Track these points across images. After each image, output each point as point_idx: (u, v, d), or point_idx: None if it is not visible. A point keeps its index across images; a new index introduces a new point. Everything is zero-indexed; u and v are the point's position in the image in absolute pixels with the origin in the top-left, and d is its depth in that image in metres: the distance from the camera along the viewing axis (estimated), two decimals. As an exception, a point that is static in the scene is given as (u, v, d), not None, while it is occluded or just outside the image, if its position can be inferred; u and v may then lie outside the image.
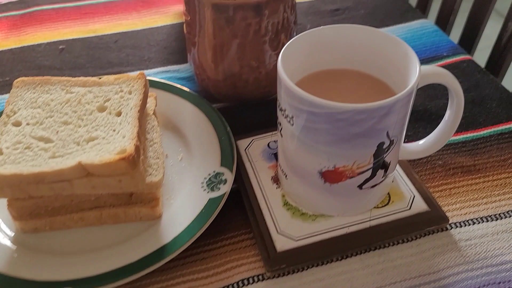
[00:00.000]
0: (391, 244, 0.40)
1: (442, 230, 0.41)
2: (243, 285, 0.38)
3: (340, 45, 0.40)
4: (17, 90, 0.43)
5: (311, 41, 0.40)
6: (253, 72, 0.49)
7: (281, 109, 0.37)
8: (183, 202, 0.42)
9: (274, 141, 0.47)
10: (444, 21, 0.73)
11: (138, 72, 0.59)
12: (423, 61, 0.59)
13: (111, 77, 0.45)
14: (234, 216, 0.43)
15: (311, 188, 0.39)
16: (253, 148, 0.47)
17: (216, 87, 0.52)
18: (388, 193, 0.42)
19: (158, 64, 0.62)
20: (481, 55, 0.72)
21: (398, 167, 0.44)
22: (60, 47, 0.65)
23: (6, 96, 0.57)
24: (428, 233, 0.41)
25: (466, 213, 0.42)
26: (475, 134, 0.50)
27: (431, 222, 0.40)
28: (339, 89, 0.41)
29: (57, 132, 0.40)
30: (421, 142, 0.42)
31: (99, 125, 0.40)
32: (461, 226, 0.41)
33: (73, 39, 0.67)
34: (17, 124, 0.40)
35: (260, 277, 0.38)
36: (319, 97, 0.33)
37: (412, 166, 0.46)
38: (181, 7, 0.73)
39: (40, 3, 0.75)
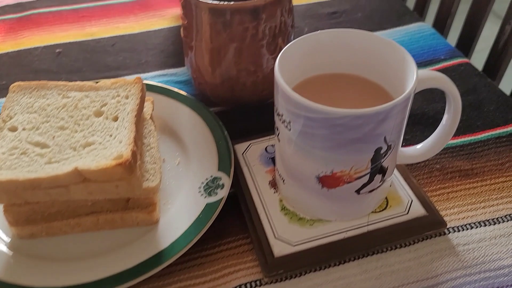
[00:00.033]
0: (389, 249, 0.40)
1: (440, 235, 0.41)
2: (241, 290, 0.38)
3: (337, 50, 0.40)
4: (13, 95, 0.43)
5: (308, 45, 0.40)
6: (251, 76, 0.49)
7: (278, 114, 0.37)
8: (181, 207, 0.42)
9: (272, 145, 0.47)
10: (442, 24, 0.73)
11: (135, 76, 0.60)
12: (420, 64, 0.59)
13: (108, 82, 0.45)
14: (232, 221, 0.43)
15: (308, 193, 0.39)
16: (251, 152, 0.47)
17: (213, 90, 0.52)
18: (386, 198, 0.42)
19: (155, 67, 0.62)
20: (479, 57, 0.72)
21: (395, 171, 0.44)
22: (57, 50, 0.65)
23: (3, 100, 0.57)
24: (426, 238, 0.41)
25: (464, 217, 0.42)
26: (472, 137, 0.49)
27: (429, 226, 0.40)
28: (337, 94, 0.41)
29: (54, 137, 0.39)
30: (418, 146, 0.42)
31: (95, 130, 0.40)
32: (459, 231, 0.41)
33: (70, 43, 0.67)
34: (13, 129, 0.40)
35: (258, 282, 0.38)
36: (316, 101, 0.33)
37: (409, 170, 0.46)
38: (178, 10, 0.72)
39: (37, 6, 0.74)
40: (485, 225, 0.41)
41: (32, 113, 0.42)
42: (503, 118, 0.52)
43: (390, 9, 0.71)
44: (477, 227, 0.41)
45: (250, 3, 0.44)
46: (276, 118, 0.38)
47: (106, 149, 0.38)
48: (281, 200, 0.42)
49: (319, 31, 0.40)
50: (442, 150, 0.42)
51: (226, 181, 0.43)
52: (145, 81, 0.52)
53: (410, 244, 0.40)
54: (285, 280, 0.38)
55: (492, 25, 0.74)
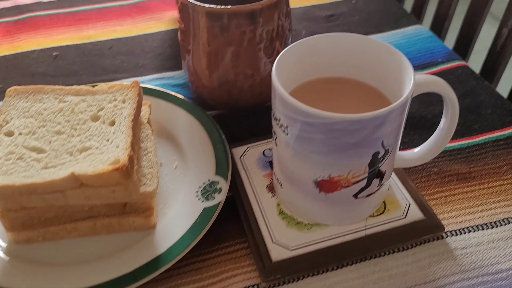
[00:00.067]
0: (387, 253, 0.40)
1: (438, 239, 0.41)
2: (238, 295, 0.38)
3: (334, 54, 0.40)
4: (10, 99, 0.43)
5: (305, 49, 0.40)
6: (248, 79, 0.49)
7: (275, 119, 0.37)
8: (178, 211, 0.42)
9: (269, 149, 0.47)
10: (439, 26, 0.73)
11: (132, 79, 0.60)
12: (418, 67, 0.59)
13: (105, 86, 0.45)
14: (229, 225, 0.42)
15: (306, 197, 0.39)
16: (248, 156, 0.47)
17: (210, 94, 0.52)
18: (384, 202, 0.42)
19: (152, 70, 0.61)
20: (476, 58, 0.72)
21: (393, 175, 0.44)
22: (54, 53, 0.65)
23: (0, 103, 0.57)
24: (424, 242, 0.41)
25: (462, 221, 0.42)
26: (470, 141, 0.49)
27: (427, 230, 0.40)
28: (334, 98, 0.41)
29: (50, 142, 0.39)
30: (416, 150, 0.42)
31: (92, 134, 0.40)
32: (456, 235, 0.41)
33: (67, 46, 0.67)
34: (9, 134, 0.40)
35: (256, 287, 0.38)
36: (314, 106, 0.33)
37: (407, 174, 0.46)
38: (175, 13, 0.72)
39: (34, 9, 0.74)
40: (483, 229, 0.41)
41: (29, 117, 0.41)
42: (501, 121, 0.52)
43: (388, 12, 0.71)
44: (475, 231, 0.41)
45: (247, 7, 0.44)
46: (274, 122, 0.38)
47: (103, 154, 0.38)
48: (278, 204, 0.42)
49: (316, 35, 0.40)
50: (439, 153, 0.42)
51: (224, 185, 0.43)
52: (142, 85, 0.52)
53: (408, 248, 0.40)
54: (282, 284, 0.38)
55: (490, 27, 0.74)
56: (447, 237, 0.41)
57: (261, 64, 0.48)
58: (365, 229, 0.40)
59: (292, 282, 0.38)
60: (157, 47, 0.66)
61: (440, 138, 0.40)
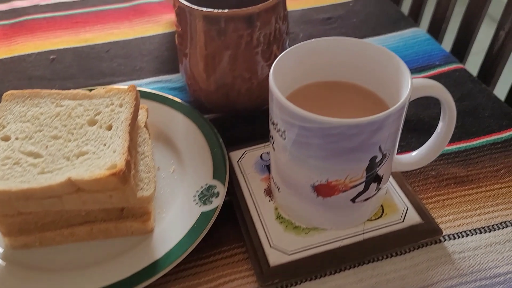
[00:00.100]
0: (385, 257, 0.40)
1: (436, 243, 0.41)
2: (236, 300, 0.38)
3: (332, 58, 0.40)
4: (6, 103, 0.43)
5: (302, 53, 0.39)
6: (245, 83, 0.49)
7: (273, 123, 0.37)
8: (175, 216, 0.42)
9: (267, 152, 0.47)
10: (437, 29, 0.73)
11: (129, 82, 0.59)
12: (415, 70, 0.59)
13: (102, 90, 0.44)
14: (227, 229, 0.42)
15: (304, 202, 0.39)
16: (246, 160, 0.47)
17: (208, 97, 0.52)
18: (382, 205, 0.42)
19: (150, 74, 0.61)
20: (474, 60, 0.72)
21: (391, 179, 0.44)
22: (51, 57, 0.65)
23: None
24: (422, 246, 0.41)
25: (460, 224, 0.42)
26: (467, 144, 0.50)
27: (425, 234, 0.40)
28: (332, 102, 0.40)
29: (47, 146, 0.39)
30: (413, 153, 0.42)
31: (89, 139, 0.40)
32: (454, 238, 0.41)
33: (64, 49, 0.66)
34: (6, 138, 0.40)
35: (253, 292, 0.38)
36: (311, 110, 0.33)
37: (405, 177, 0.46)
38: (173, 16, 0.72)
39: (31, 12, 0.74)
40: (481, 233, 0.41)
41: (25, 122, 0.41)
42: (498, 124, 0.52)
43: (385, 14, 0.71)
44: (472, 235, 0.41)
45: (244, 10, 0.44)
46: (271, 127, 0.37)
47: (99, 158, 0.38)
48: (276, 208, 0.42)
49: (313, 39, 0.40)
50: (437, 157, 0.42)
51: (221, 189, 0.43)
52: (139, 88, 0.52)
53: (405, 252, 0.40)
54: (280, 289, 0.38)
55: (487, 28, 0.74)
56: (445, 241, 0.41)
57: (259, 68, 0.48)
58: (363, 233, 0.40)
59: (290, 286, 0.38)
60: (154, 50, 0.66)
61: (438, 142, 0.40)
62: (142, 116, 0.47)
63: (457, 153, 0.49)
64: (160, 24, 0.71)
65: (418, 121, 0.52)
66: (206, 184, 0.43)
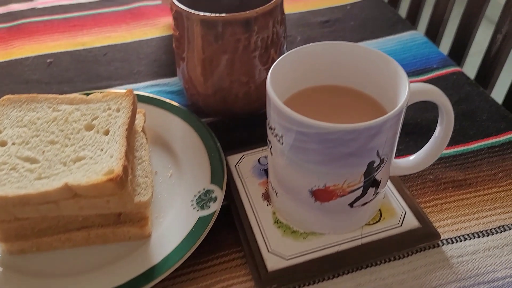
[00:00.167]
0: (383, 261, 0.40)
1: (434, 247, 0.41)
2: (234, 306, 0.37)
3: (329, 62, 0.40)
4: (3, 108, 0.43)
5: (300, 58, 0.39)
6: (243, 86, 0.49)
7: (270, 128, 0.37)
8: (173, 220, 0.42)
9: (265, 156, 0.47)
10: (434, 32, 0.73)
11: (127, 86, 0.59)
12: (413, 73, 0.59)
13: (99, 95, 0.44)
14: (225, 234, 0.42)
15: (302, 206, 0.39)
16: (243, 164, 0.47)
17: (205, 101, 0.51)
18: (380, 210, 0.42)
19: (147, 77, 0.61)
20: (472, 61, 0.72)
21: (389, 183, 0.44)
22: (48, 60, 0.65)
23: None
24: (420, 250, 0.40)
25: (458, 228, 0.42)
26: (465, 147, 0.49)
27: (423, 238, 0.40)
28: (329, 106, 0.40)
29: (43, 152, 0.39)
30: (411, 157, 0.42)
31: (86, 144, 0.40)
32: (452, 243, 0.41)
33: (61, 52, 0.66)
34: (2, 144, 0.40)
35: (251, 297, 0.38)
36: (309, 114, 0.33)
37: (403, 181, 0.46)
38: (170, 19, 0.72)
39: (28, 16, 0.74)
40: (479, 237, 0.41)
41: (22, 127, 0.41)
42: (496, 127, 0.52)
43: (383, 17, 0.71)
44: (470, 239, 0.41)
45: (241, 14, 0.44)
46: (269, 131, 0.37)
47: (97, 164, 0.38)
48: (274, 213, 0.42)
49: (310, 44, 0.40)
50: (435, 160, 0.42)
51: (219, 194, 0.42)
52: (137, 92, 0.52)
53: (404, 256, 0.40)
54: (278, 294, 0.38)
55: (485, 30, 0.74)
56: (443, 245, 0.41)
57: (256, 72, 0.48)
58: (361, 237, 0.40)
59: (288, 291, 0.38)
60: (152, 54, 0.66)
61: (435, 146, 0.40)
62: (139, 121, 0.47)
63: (455, 157, 0.49)
64: (158, 27, 0.71)
65: (416, 124, 0.52)
66: (204, 189, 0.43)
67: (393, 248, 0.40)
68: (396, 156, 0.43)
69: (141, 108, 0.49)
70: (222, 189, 0.43)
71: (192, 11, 0.45)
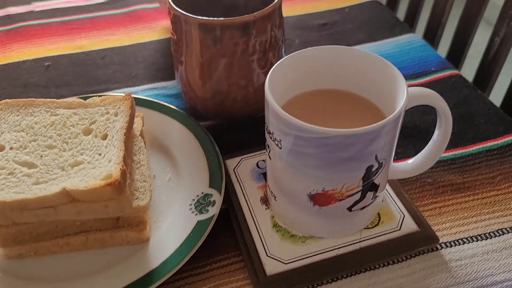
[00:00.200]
0: (382, 265, 0.40)
1: (433, 250, 0.41)
2: (233, 310, 0.37)
3: (328, 66, 0.40)
4: (1, 113, 0.43)
5: (298, 62, 0.39)
6: (241, 90, 0.49)
7: (269, 132, 0.37)
8: (171, 225, 0.41)
9: (263, 160, 0.47)
10: (432, 35, 0.73)
11: (125, 89, 0.59)
12: (411, 76, 0.59)
13: (97, 99, 0.44)
14: (223, 238, 0.42)
15: (300, 210, 0.39)
16: (242, 167, 0.47)
17: (204, 105, 0.51)
18: (378, 213, 0.42)
19: (145, 81, 0.61)
20: (470, 63, 0.72)
21: (387, 186, 0.44)
22: (46, 63, 0.65)
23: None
24: (419, 254, 0.40)
25: (456, 232, 0.42)
26: (464, 151, 0.50)
27: (422, 242, 0.40)
28: (328, 110, 0.40)
29: (41, 156, 0.39)
30: (410, 161, 0.42)
31: (84, 148, 0.40)
32: (451, 246, 0.41)
33: (59, 55, 0.66)
34: (0, 148, 0.40)
35: (250, 301, 0.38)
36: (307, 119, 0.33)
37: (401, 185, 0.46)
38: (168, 22, 0.72)
39: (26, 19, 0.74)
40: (477, 240, 0.41)
41: (20, 131, 0.41)
42: (494, 130, 0.52)
43: (381, 20, 0.71)
44: (469, 242, 0.41)
45: (240, 18, 0.44)
46: (267, 136, 0.37)
47: (95, 168, 0.38)
48: (272, 217, 0.42)
49: (309, 48, 0.40)
50: (433, 164, 0.42)
51: (217, 198, 0.42)
52: (135, 95, 0.52)
53: (402, 260, 0.40)
54: (277, 299, 0.38)
55: (483, 32, 0.74)
56: (441, 248, 0.41)
57: (254, 75, 0.48)
58: (360, 241, 0.40)
59: (287, 296, 0.38)
60: (150, 57, 0.66)
61: (434, 149, 0.40)
62: (137, 125, 0.47)
63: (453, 160, 0.49)
64: (156, 30, 0.71)
65: (415, 128, 0.52)
66: (202, 193, 0.43)
67: (391, 251, 0.40)
68: (394, 160, 0.43)
69: (139, 111, 0.49)
70: (220, 193, 0.43)
71: (190, 15, 0.45)
